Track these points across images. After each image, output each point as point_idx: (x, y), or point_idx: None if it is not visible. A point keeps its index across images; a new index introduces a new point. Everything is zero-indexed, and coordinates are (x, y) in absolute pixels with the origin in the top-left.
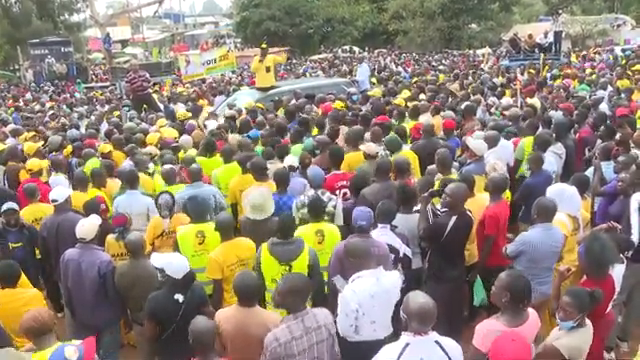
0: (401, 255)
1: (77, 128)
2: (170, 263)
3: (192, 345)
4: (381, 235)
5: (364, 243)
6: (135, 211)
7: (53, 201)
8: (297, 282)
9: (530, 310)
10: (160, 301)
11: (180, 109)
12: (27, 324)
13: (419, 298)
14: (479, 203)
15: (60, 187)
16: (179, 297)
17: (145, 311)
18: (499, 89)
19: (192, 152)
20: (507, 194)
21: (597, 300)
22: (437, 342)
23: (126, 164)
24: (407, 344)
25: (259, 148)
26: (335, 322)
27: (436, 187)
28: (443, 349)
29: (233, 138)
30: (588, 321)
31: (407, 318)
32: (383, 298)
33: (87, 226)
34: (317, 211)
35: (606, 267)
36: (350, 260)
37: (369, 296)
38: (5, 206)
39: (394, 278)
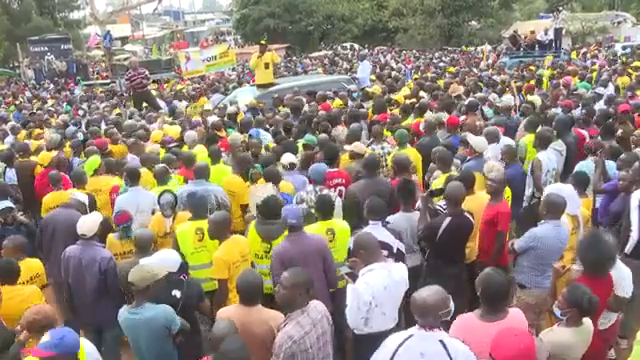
0: (395, 251)
1: (75, 125)
2: (169, 259)
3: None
4: (372, 232)
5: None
6: (142, 208)
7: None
8: (299, 276)
9: (514, 310)
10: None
11: (178, 106)
12: (30, 317)
13: (423, 292)
14: (479, 201)
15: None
16: (176, 293)
17: None
18: (499, 86)
19: (200, 148)
20: (507, 192)
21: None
22: (441, 341)
23: (130, 160)
24: (411, 335)
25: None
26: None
27: (434, 186)
28: (446, 349)
29: (233, 139)
30: (588, 322)
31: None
32: (394, 290)
33: (88, 223)
34: (326, 209)
35: (602, 266)
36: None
37: (382, 288)
38: (0, 205)
39: (403, 270)
